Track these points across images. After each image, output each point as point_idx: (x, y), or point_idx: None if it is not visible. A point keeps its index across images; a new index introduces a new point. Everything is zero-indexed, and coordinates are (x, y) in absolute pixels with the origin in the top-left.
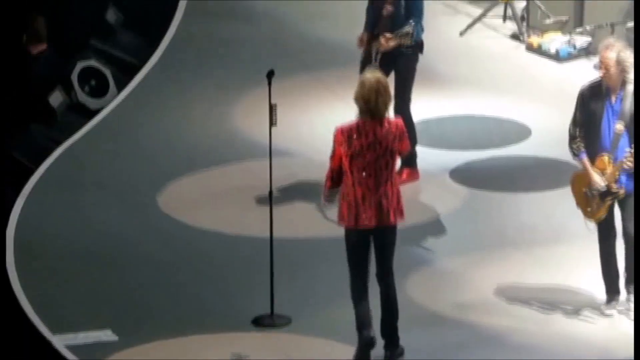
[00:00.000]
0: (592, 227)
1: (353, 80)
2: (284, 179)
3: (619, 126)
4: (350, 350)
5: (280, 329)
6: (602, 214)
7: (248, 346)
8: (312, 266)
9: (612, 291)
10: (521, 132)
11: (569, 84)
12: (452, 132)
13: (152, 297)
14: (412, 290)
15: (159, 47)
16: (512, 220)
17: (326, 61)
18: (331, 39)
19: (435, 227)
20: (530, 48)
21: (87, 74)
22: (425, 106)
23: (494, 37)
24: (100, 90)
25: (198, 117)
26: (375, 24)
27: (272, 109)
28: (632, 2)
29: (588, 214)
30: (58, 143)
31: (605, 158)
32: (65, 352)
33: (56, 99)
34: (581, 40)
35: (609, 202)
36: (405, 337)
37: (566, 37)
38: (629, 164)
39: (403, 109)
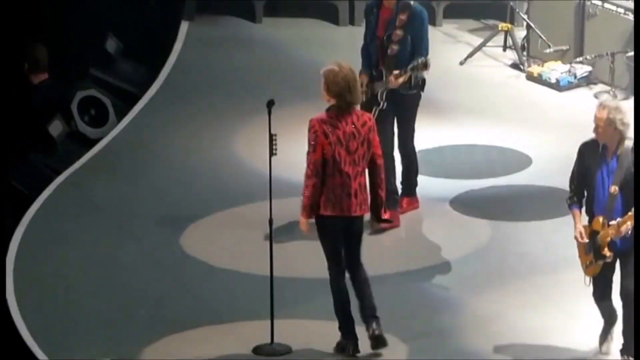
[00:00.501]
0: (588, 280)
1: None
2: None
3: (614, 187)
4: None
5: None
6: (593, 272)
7: None
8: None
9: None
10: (522, 161)
11: (570, 113)
12: (453, 161)
13: (150, 329)
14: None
15: (158, 77)
16: (513, 248)
17: None
18: None
19: (438, 261)
20: (530, 77)
21: (87, 104)
22: (425, 135)
23: (495, 66)
24: (100, 119)
25: (198, 145)
26: (374, 65)
27: (272, 138)
28: (632, 32)
29: (583, 268)
30: (57, 172)
31: (600, 219)
32: None
33: (56, 128)
34: (581, 70)
35: (600, 264)
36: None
37: (567, 67)
38: (626, 228)
39: (407, 142)
